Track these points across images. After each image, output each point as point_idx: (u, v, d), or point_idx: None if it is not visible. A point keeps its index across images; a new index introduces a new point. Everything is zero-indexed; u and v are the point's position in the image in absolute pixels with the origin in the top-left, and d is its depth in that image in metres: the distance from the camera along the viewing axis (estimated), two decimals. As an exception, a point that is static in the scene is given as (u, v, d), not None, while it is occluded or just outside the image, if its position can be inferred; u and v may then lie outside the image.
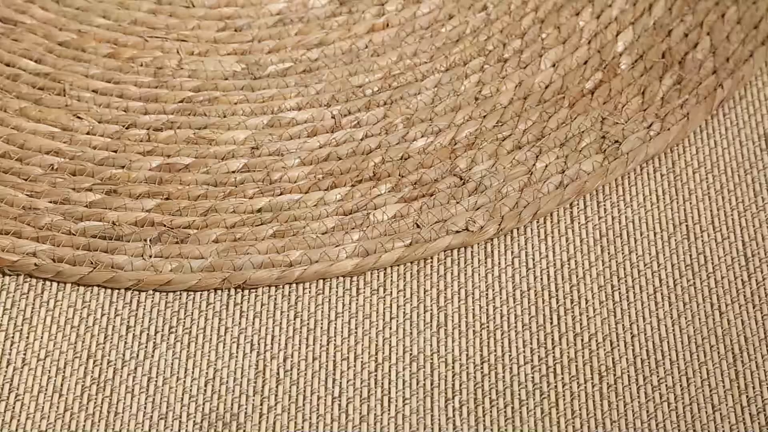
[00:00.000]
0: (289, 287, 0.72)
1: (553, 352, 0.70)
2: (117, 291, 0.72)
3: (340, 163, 0.76)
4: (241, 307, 0.71)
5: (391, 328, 0.71)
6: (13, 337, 0.70)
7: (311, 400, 0.68)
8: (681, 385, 0.68)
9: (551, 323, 0.71)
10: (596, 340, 0.70)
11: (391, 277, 0.73)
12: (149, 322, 0.71)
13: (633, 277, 0.72)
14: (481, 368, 0.69)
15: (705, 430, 0.67)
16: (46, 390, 0.68)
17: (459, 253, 0.74)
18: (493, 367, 0.69)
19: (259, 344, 0.70)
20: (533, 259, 0.73)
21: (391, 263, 0.73)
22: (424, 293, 0.72)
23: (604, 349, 0.70)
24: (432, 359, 0.70)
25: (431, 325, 0.71)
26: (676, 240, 0.74)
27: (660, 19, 0.83)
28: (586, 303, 0.72)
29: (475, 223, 0.74)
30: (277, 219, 0.74)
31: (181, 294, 0.72)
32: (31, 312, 0.71)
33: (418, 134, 0.77)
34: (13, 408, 0.68)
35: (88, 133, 0.77)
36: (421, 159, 0.76)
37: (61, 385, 0.69)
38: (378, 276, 0.73)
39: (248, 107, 0.79)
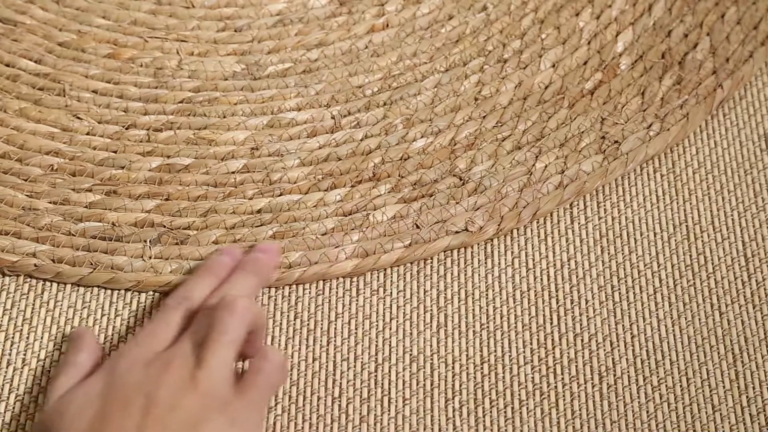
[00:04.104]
0: (289, 288, 0.72)
1: (553, 353, 0.70)
2: (117, 292, 0.72)
3: (339, 163, 0.76)
4: (241, 307, 0.71)
5: (391, 329, 0.71)
6: (13, 337, 0.70)
7: (311, 400, 0.68)
8: (681, 386, 0.68)
9: (551, 324, 0.71)
10: (596, 341, 0.70)
11: (391, 277, 0.73)
12: (149, 322, 0.71)
13: (633, 278, 0.72)
14: (481, 369, 0.69)
15: (705, 431, 0.67)
16: (46, 390, 0.68)
17: (459, 254, 0.74)
18: (493, 367, 0.69)
19: (259, 345, 0.70)
20: (533, 260, 0.73)
21: (390, 264, 0.73)
22: (424, 294, 0.72)
23: (604, 350, 0.70)
24: (432, 360, 0.70)
25: (431, 326, 0.71)
26: (676, 240, 0.74)
27: (660, 19, 0.83)
28: (586, 303, 0.72)
29: (475, 223, 0.74)
30: (277, 220, 0.74)
31: (181, 295, 0.72)
32: (31, 312, 0.71)
33: (417, 135, 0.77)
34: (13, 408, 0.68)
35: (87, 134, 0.77)
36: (420, 159, 0.76)
37: (61, 385, 0.69)
38: (378, 277, 0.73)
39: (248, 107, 0.79)
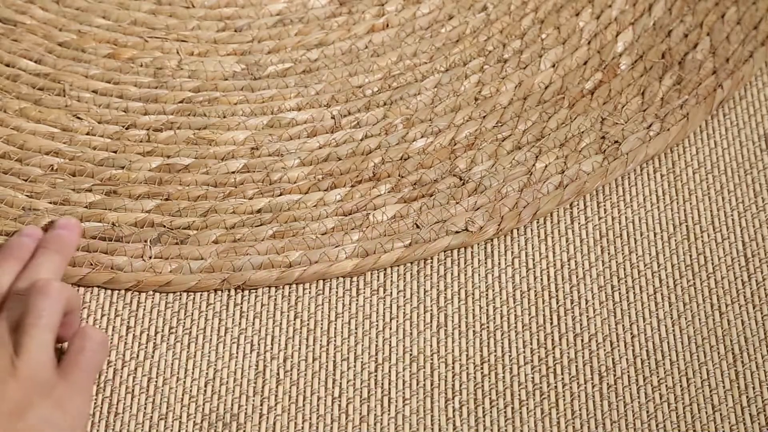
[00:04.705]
0: (289, 288, 0.72)
1: (553, 353, 0.70)
2: (117, 292, 0.72)
3: (339, 163, 0.76)
4: (241, 307, 0.71)
5: (391, 329, 0.71)
6: (13, 337, 0.70)
7: (311, 400, 0.68)
8: (681, 386, 0.68)
9: (551, 324, 0.71)
10: (596, 341, 0.70)
11: (391, 277, 0.73)
12: (149, 322, 0.71)
13: (633, 278, 0.72)
14: (481, 369, 0.69)
15: (705, 431, 0.67)
16: None
17: (459, 254, 0.74)
18: (493, 367, 0.69)
19: (259, 345, 0.70)
20: (533, 260, 0.73)
21: (390, 264, 0.73)
22: (424, 294, 0.72)
23: (604, 350, 0.70)
24: (432, 360, 0.70)
25: (431, 326, 0.71)
26: (676, 240, 0.74)
27: (660, 19, 0.83)
28: (586, 303, 0.72)
29: (475, 223, 0.74)
30: (277, 219, 0.74)
31: (181, 295, 0.72)
32: (31, 312, 0.71)
33: (417, 134, 0.77)
34: (13, 408, 0.68)
35: (88, 134, 0.77)
36: (420, 159, 0.76)
37: (61, 385, 0.69)
38: (378, 276, 0.73)
39: (248, 107, 0.79)
